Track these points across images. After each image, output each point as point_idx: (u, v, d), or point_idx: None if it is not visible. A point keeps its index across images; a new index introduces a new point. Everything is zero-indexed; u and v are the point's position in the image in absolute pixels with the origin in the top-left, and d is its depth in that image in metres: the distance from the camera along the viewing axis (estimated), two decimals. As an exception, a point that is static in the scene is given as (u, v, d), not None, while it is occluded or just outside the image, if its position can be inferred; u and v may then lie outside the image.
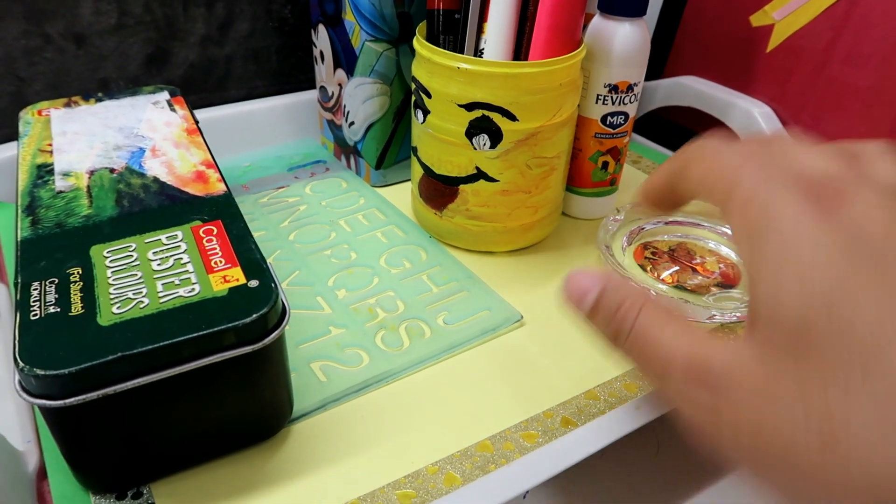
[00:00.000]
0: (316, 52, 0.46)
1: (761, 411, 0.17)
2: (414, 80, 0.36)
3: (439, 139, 0.36)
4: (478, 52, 0.36)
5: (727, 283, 0.36)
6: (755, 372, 0.18)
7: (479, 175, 0.36)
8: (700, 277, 0.36)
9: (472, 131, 0.34)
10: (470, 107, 0.34)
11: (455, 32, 0.36)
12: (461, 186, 0.37)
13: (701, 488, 0.29)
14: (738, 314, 0.33)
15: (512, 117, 0.34)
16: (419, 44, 0.35)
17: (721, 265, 0.37)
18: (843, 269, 0.17)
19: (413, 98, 0.37)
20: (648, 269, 0.37)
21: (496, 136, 0.34)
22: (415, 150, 0.39)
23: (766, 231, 0.18)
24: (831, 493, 0.16)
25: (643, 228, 0.40)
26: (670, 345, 0.20)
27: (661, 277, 0.36)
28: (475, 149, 0.35)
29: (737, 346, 0.19)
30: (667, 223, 0.40)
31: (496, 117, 0.34)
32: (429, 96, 0.35)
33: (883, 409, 0.16)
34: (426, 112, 0.36)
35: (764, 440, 0.17)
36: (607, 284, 0.23)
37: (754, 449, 0.18)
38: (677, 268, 0.37)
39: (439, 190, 0.38)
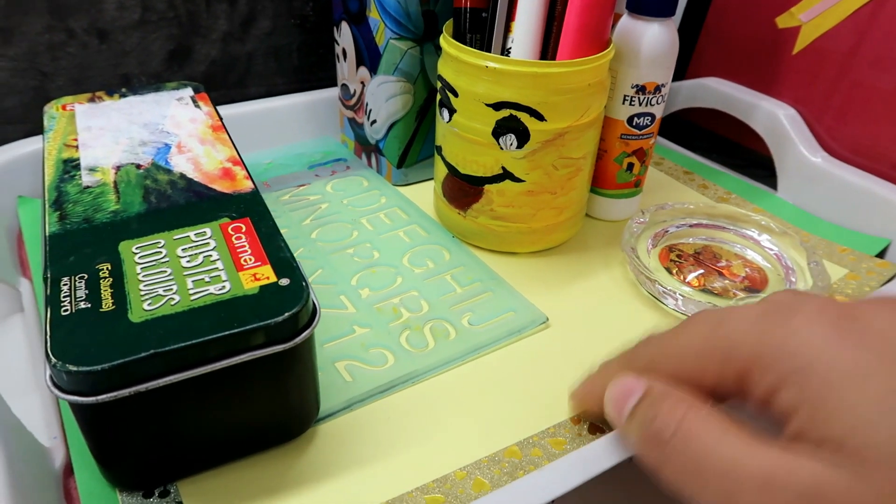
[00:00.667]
0: (338, 50, 0.46)
1: None
2: (440, 78, 0.36)
3: (465, 138, 0.35)
4: (505, 52, 0.36)
5: (754, 287, 0.36)
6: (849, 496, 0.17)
7: (505, 175, 0.35)
8: (726, 281, 0.36)
9: (499, 131, 0.34)
10: (497, 106, 0.33)
11: (482, 31, 0.36)
12: (486, 186, 0.36)
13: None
14: None
15: (540, 117, 0.33)
16: (446, 42, 0.35)
17: (747, 269, 0.37)
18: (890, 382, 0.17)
19: (438, 97, 0.37)
20: (674, 271, 0.36)
21: (523, 136, 0.34)
22: (439, 149, 0.38)
23: (812, 365, 0.18)
24: None
25: (668, 231, 0.39)
26: (734, 455, 0.19)
27: (686, 280, 0.36)
28: (502, 149, 0.35)
29: (822, 469, 0.18)
30: (691, 226, 0.40)
31: (524, 117, 0.33)
32: (455, 95, 0.35)
33: None
34: (452, 111, 0.35)
35: None
36: (653, 387, 0.22)
37: None
38: (703, 271, 0.37)
39: (464, 190, 0.37)
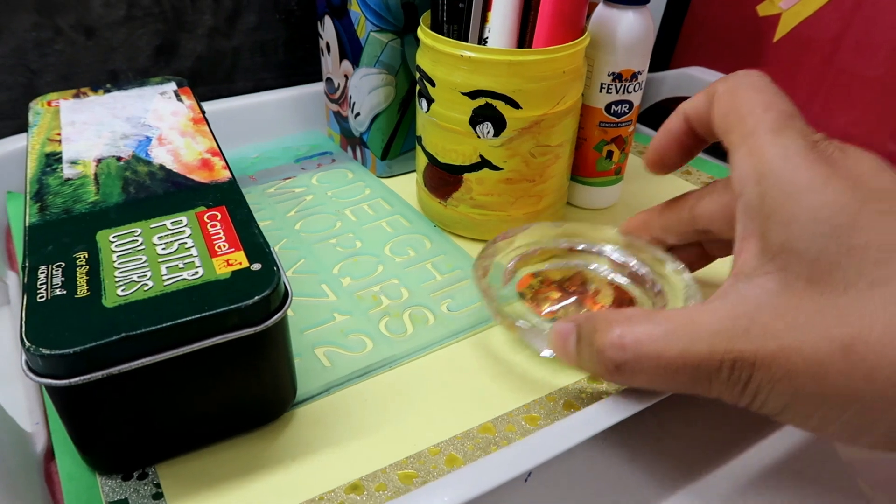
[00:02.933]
0: (322, 44, 0.46)
1: (784, 338, 0.19)
2: (418, 69, 0.37)
3: (443, 128, 0.36)
4: (482, 41, 0.36)
5: None
6: (775, 321, 0.20)
7: (483, 163, 0.36)
8: (584, 311, 0.31)
9: (476, 119, 0.35)
10: (473, 95, 0.34)
11: (459, 22, 0.36)
12: (465, 175, 0.37)
13: (705, 471, 0.29)
14: None
15: (515, 105, 0.34)
16: (423, 33, 0.35)
17: (614, 303, 0.32)
18: (852, 206, 0.19)
19: (417, 87, 0.37)
20: (528, 297, 0.32)
21: (500, 124, 0.34)
22: (419, 139, 0.39)
23: (779, 174, 0.21)
24: (860, 395, 0.18)
25: (536, 251, 0.34)
26: (682, 344, 0.21)
27: (541, 311, 0.31)
28: (479, 137, 0.35)
29: (753, 298, 0.21)
30: (570, 250, 0.34)
31: (500, 105, 0.34)
32: (433, 85, 0.35)
33: (893, 307, 0.18)
34: (430, 101, 0.36)
35: (791, 362, 0.19)
36: (582, 322, 0.24)
37: (783, 373, 0.19)
38: (566, 302, 0.32)
39: (444, 179, 0.38)
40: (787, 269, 0.20)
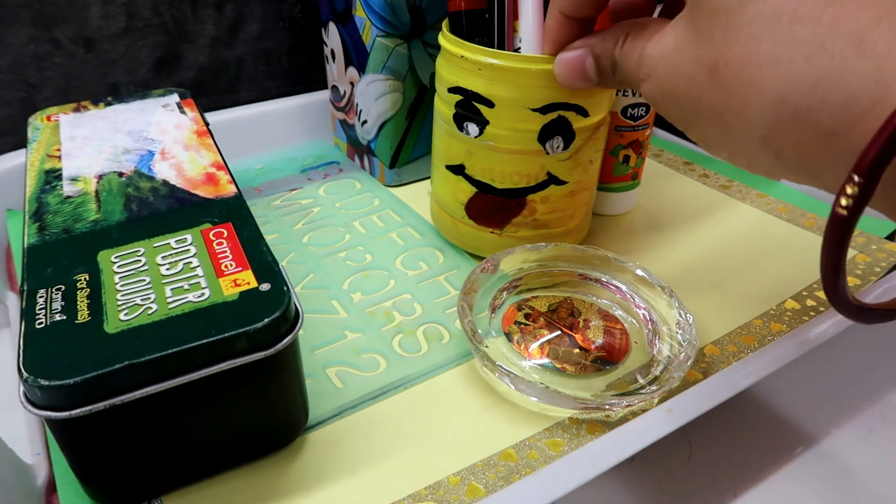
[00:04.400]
0: (327, 51, 0.45)
1: (674, 73, 0.22)
2: (459, 90, 0.32)
3: (501, 150, 0.32)
4: (515, 52, 0.34)
5: (610, 358, 0.29)
6: (671, 43, 0.22)
7: (550, 180, 0.33)
8: (576, 350, 0.29)
9: (546, 135, 0.32)
10: (546, 109, 0.31)
11: (487, 34, 0.34)
12: (529, 197, 0.34)
13: (737, 493, 0.28)
14: (609, 404, 0.26)
15: (584, 113, 0.32)
16: (469, 49, 0.31)
17: (606, 334, 0.30)
18: None
19: (454, 112, 0.33)
20: (516, 338, 0.30)
21: (569, 136, 0.32)
22: (458, 168, 0.35)
23: None
24: (720, 110, 0.20)
25: (519, 282, 0.33)
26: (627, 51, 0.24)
27: (529, 351, 0.29)
28: (548, 153, 0.32)
29: (666, 28, 0.23)
30: (556, 273, 0.33)
31: (571, 116, 0.32)
32: (490, 106, 0.32)
33: (753, 36, 0.19)
34: (484, 124, 0.32)
35: (677, 96, 0.22)
36: (593, 45, 0.26)
37: (674, 106, 0.23)
38: (551, 336, 0.30)
39: (502, 205, 0.34)
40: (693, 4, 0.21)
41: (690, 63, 0.21)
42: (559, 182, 0.33)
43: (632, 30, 0.25)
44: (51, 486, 0.25)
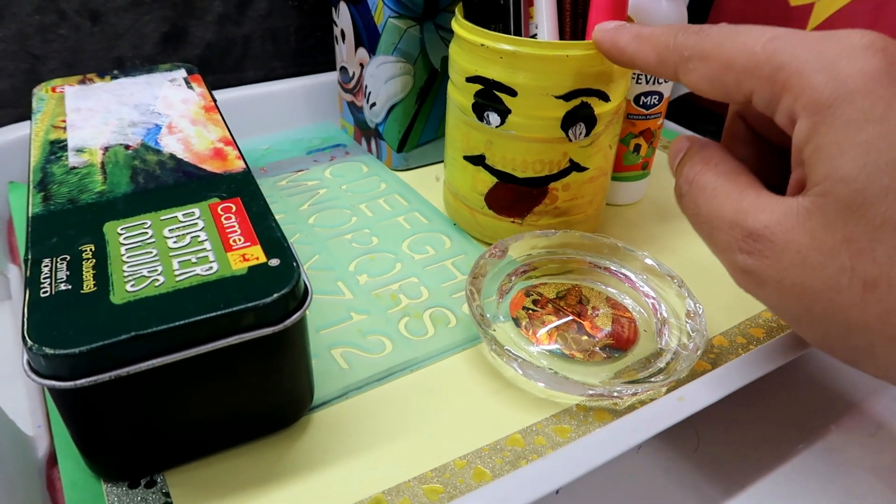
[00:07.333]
0: (336, 32, 0.45)
1: (806, 271, 0.19)
2: (480, 80, 0.32)
3: (524, 139, 0.32)
4: (531, 38, 0.34)
5: (618, 346, 0.29)
6: (801, 235, 0.19)
7: (572, 167, 0.33)
8: (585, 337, 0.29)
9: (569, 122, 0.31)
10: (569, 96, 0.31)
11: (502, 20, 0.33)
12: (551, 185, 0.33)
13: (744, 484, 0.27)
14: (617, 391, 0.26)
15: (606, 98, 0.31)
16: (488, 37, 0.30)
17: (615, 322, 0.30)
18: None
19: (474, 101, 0.33)
20: (524, 324, 0.29)
21: (591, 122, 0.32)
22: (478, 158, 0.34)
23: (833, 106, 0.19)
24: (870, 329, 0.18)
25: (527, 268, 0.33)
26: (722, 203, 0.22)
27: (537, 336, 0.29)
28: (570, 140, 0.32)
29: (784, 206, 0.20)
30: (565, 261, 0.33)
31: (593, 101, 0.31)
32: (513, 94, 0.31)
33: None
34: (506, 113, 0.32)
35: (808, 297, 0.19)
36: (692, 145, 0.24)
37: (798, 305, 0.20)
38: (559, 322, 0.30)
39: (524, 194, 0.34)
40: (825, 194, 0.19)
41: (837, 272, 0.19)
42: (580, 169, 0.33)
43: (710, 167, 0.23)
44: (51, 459, 0.25)
